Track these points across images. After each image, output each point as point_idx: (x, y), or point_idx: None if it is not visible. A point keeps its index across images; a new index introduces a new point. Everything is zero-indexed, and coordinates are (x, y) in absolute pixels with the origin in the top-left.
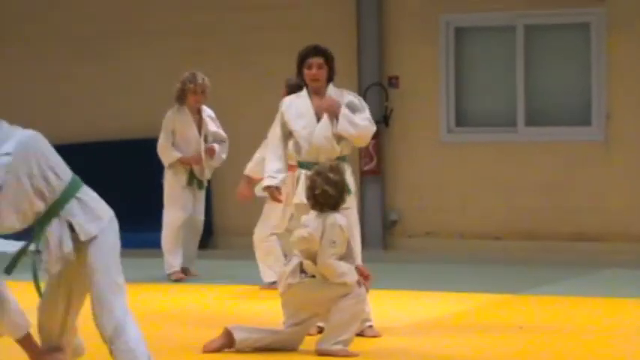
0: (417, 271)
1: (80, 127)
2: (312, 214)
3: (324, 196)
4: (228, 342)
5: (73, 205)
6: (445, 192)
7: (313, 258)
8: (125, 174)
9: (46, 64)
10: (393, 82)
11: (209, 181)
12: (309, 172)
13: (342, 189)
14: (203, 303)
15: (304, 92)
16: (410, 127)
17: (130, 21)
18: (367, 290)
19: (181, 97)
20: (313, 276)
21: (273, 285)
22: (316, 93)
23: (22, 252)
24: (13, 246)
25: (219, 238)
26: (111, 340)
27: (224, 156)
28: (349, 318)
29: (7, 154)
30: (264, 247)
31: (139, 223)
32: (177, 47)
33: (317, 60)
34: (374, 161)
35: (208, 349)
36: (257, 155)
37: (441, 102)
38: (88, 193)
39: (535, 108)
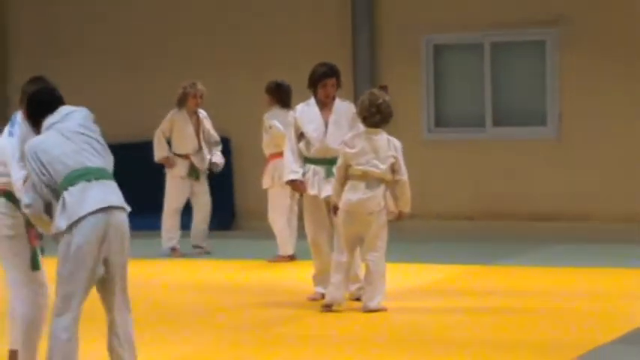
0: (404, 248)
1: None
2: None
3: (385, 105)
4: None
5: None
6: (426, 181)
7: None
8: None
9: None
10: (383, 89)
11: (231, 169)
12: (317, 167)
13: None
14: (219, 275)
15: (312, 101)
16: (396, 127)
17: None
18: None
19: (182, 101)
20: None
21: (282, 258)
22: (324, 104)
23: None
24: None
25: (241, 221)
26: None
27: (222, 161)
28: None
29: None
30: (279, 225)
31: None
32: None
33: (332, 81)
34: None
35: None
36: None
37: (422, 106)
38: (73, 193)
39: (500, 111)
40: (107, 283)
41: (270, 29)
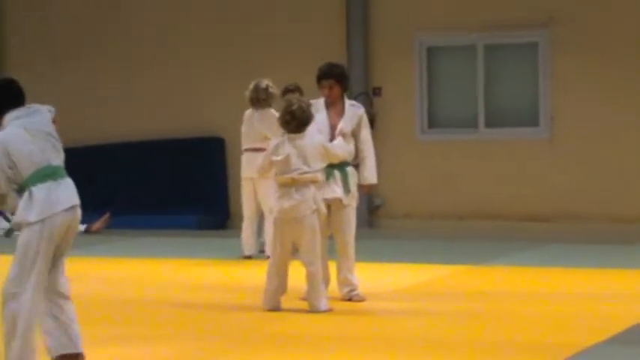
0: (397, 247)
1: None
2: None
3: (300, 111)
4: None
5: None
6: (420, 181)
7: None
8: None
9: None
10: (377, 91)
11: (226, 168)
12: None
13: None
14: (212, 274)
15: (322, 104)
16: (391, 128)
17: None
18: None
19: (267, 100)
20: None
21: None
22: (331, 104)
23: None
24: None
25: (236, 221)
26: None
27: None
28: None
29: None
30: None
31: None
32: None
33: (328, 82)
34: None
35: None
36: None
37: (416, 108)
38: (42, 190)
39: (493, 112)
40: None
41: (264, 30)
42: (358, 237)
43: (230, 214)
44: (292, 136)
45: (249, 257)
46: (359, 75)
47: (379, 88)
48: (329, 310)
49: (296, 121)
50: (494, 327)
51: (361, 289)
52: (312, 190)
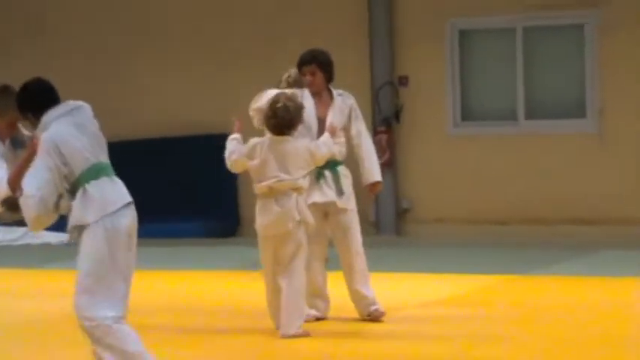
0: (427, 255)
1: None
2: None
3: (284, 110)
4: None
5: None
6: (452, 181)
7: None
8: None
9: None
10: (403, 81)
11: (235, 174)
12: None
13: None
14: (220, 284)
15: (308, 95)
16: (419, 122)
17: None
18: None
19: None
20: None
21: None
22: (316, 95)
23: None
24: (56, 237)
25: (246, 228)
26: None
27: None
28: None
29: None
30: None
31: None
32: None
33: (309, 68)
34: (387, 154)
35: None
36: None
37: (447, 98)
38: (98, 187)
39: (534, 103)
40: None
41: (278, 17)
42: (384, 245)
43: (240, 220)
44: (273, 138)
45: None
46: (383, 63)
47: (406, 77)
48: (303, 335)
49: (276, 121)
50: (540, 344)
51: (388, 303)
52: (293, 199)
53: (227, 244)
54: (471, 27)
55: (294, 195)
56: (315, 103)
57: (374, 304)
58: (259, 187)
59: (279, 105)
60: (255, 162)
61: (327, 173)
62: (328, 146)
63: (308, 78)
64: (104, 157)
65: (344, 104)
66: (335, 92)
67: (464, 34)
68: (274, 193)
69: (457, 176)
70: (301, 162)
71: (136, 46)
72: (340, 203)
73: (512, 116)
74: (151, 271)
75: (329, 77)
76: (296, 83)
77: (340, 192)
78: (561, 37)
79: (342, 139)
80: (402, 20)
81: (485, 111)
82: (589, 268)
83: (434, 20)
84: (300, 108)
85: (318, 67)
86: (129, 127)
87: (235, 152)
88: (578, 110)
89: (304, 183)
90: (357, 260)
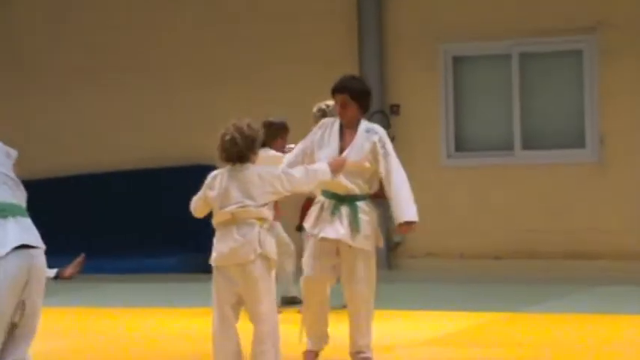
0: (419, 290)
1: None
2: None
3: (231, 142)
4: None
5: None
6: (446, 214)
7: None
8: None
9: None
10: (395, 109)
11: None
12: (327, 201)
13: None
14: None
15: (336, 125)
16: (411, 152)
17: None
18: None
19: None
20: None
21: None
22: (347, 126)
23: None
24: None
25: None
26: None
27: None
28: None
29: None
30: None
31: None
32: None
33: (340, 98)
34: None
35: None
36: None
37: (440, 128)
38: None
39: (531, 132)
40: (19, 328)
41: (268, 40)
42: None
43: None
44: (233, 167)
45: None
46: (373, 90)
47: (397, 106)
48: None
49: (225, 154)
50: None
51: (380, 341)
52: (256, 230)
53: (204, 280)
54: (465, 53)
55: (257, 225)
56: (343, 136)
57: (363, 352)
58: (220, 215)
59: (227, 137)
60: (215, 192)
61: (344, 209)
62: (312, 173)
63: (338, 109)
64: (6, 197)
65: (367, 141)
66: (362, 126)
67: (458, 61)
68: (236, 221)
69: (450, 209)
70: (267, 187)
71: (110, 77)
72: (354, 242)
73: (508, 146)
74: (135, 308)
75: (363, 109)
76: (330, 112)
77: (356, 230)
78: (559, 64)
79: (364, 177)
80: (393, 46)
81: (480, 141)
82: (589, 304)
83: (427, 46)
84: (251, 138)
85: (351, 97)
86: (105, 160)
87: (197, 195)
88: (576, 140)
89: (268, 214)
90: (358, 304)
